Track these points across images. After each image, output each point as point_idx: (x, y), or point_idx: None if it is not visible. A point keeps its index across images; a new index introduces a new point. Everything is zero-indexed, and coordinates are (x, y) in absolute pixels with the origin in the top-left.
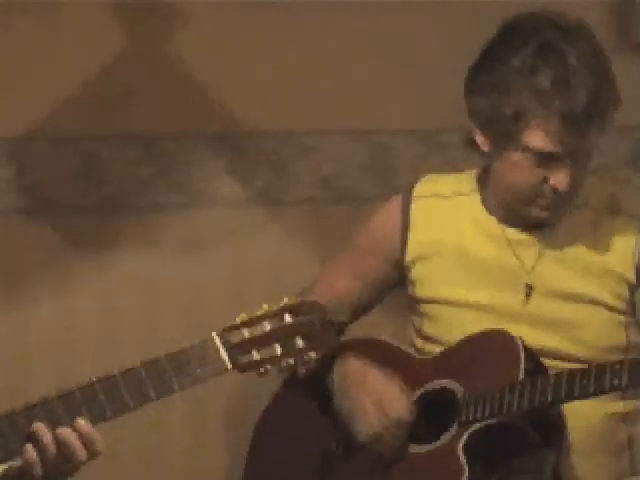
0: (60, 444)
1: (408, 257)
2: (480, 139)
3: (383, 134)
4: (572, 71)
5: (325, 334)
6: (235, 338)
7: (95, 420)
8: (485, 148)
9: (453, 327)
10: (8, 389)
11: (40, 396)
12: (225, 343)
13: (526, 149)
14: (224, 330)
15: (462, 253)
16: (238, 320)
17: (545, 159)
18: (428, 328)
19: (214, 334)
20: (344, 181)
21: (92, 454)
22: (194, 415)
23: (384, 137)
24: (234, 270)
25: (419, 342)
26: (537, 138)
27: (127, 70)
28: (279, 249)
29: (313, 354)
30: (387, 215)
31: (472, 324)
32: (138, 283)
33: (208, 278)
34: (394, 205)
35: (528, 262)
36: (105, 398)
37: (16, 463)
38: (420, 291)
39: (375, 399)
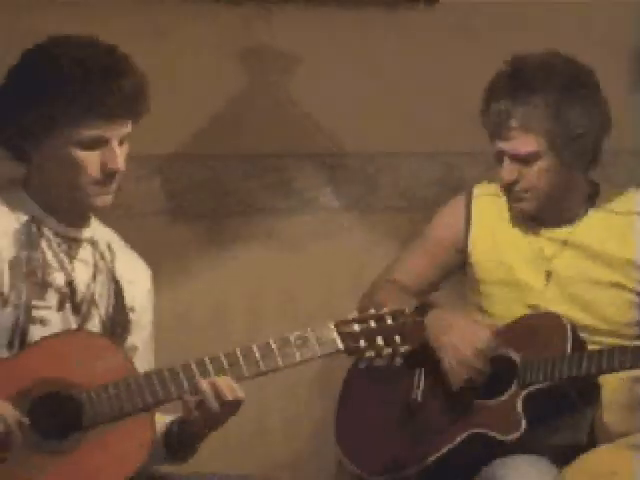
0: (213, 391)
1: (470, 244)
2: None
3: (451, 155)
4: None
5: (415, 333)
6: (347, 329)
7: (236, 378)
8: None
9: (497, 302)
10: (175, 348)
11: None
12: (339, 331)
13: None
14: (339, 321)
15: (503, 246)
16: (350, 317)
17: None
18: (486, 304)
19: (331, 323)
20: (419, 193)
21: (226, 405)
22: (294, 376)
23: (452, 158)
24: (328, 264)
25: (479, 317)
26: None
27: (247, 101)
28: (365, 248)
29: (405, 347)
30: (454, 210)
31: (511, 301)
32: (251, 275)
33: (308, 270)
34: (459, 202)
35: (549, 252)
36: (244, 362)
37: (175, 417)
38: (477, 274)
39: (463, 333)
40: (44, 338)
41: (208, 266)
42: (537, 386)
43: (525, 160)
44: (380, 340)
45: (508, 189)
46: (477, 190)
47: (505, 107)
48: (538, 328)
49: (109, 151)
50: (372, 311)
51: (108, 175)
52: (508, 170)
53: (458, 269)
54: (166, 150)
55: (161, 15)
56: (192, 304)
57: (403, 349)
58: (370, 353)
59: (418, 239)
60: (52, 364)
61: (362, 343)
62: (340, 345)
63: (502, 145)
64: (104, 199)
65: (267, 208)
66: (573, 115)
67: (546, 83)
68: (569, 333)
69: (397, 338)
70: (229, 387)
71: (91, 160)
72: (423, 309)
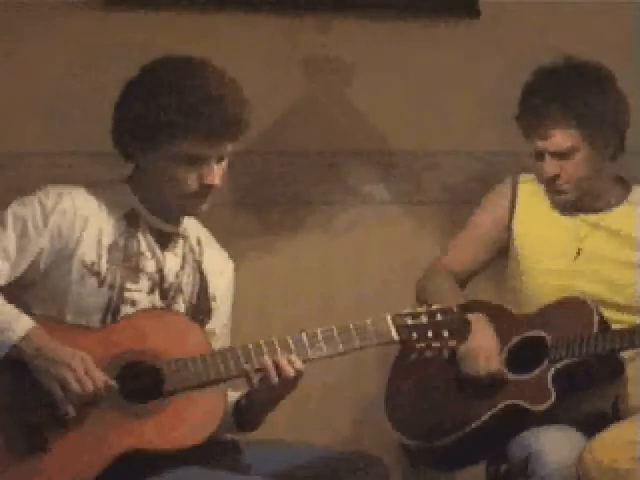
0: (274, 367)
1: (514, 224)
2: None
3: (489, 154)
4: None
5: (462, 330)
6: (402, 322)
7: (301, 357)
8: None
9: (534, 278)
10: (247, 327)
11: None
12: (394, 323)
13: None
14: (395, 315)
15: (543, 235)
16: (405, 311)
17: None
18: (522, 286)
19: (388, 315)
20: (460, 188)
21: (286, 381)
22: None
23: (489, 156)
24: (379, 250)
25: (510, 297)
26: None
27: (308, 104)
28: (412, 237)
29: (453, 342)
30: (500, 193)
31: (546, 275)
32: (313, 258)
33: (360, 257)
34: (505, 186)
35: (582, 233)
36: (309, 345)
37: (243, 392)
38: (518, 259)
39: (483, 350)
40: (134, 313)
41: (273, 253)
42: (565, 362)
43: (564, 154)
44: (430, 334)
45: (550, 183)
46: (522, 177)
47: (541, 107)
48: (567, 311)
49: (208, 168)
50: (424, 307)
51: (204, 189)
52: (551, 165)
53: (502, 251)
54: (237, 147)
55: (236, 27)
56: (262, 286)
57: (450, 343)
58: (420, 345)
59: (467, 228)
60: (140, 336)
61: (414, 336)
62: (395, 336)
63: (542, 144)
64: (198, 208)
65: (324, 201)
66: (602, 108)
67: (577, 82)
68: (595, 315)
69: (445, 333)
70: (290, 363)
71: (190, 175)
72: (466, 308)
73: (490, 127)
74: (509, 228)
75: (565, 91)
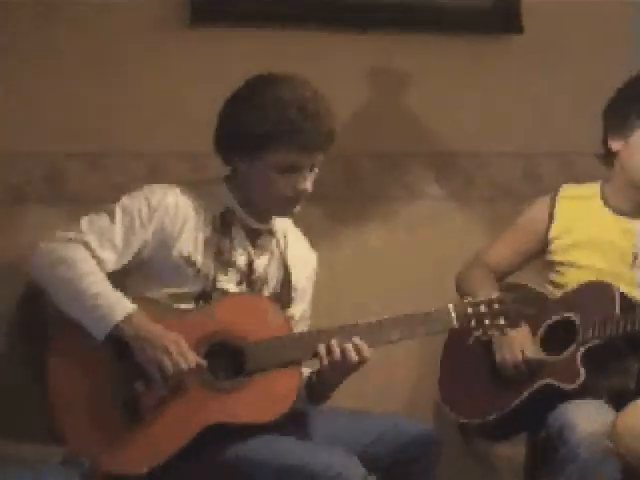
0: (341, 352)
1: (551, 234)
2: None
3: (533, 156)
4: None
5: (517, 318)
6: (462, 311)
7: (369, 344)
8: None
9: (574, 281)
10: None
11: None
12: (455, 311)
13: None
14: (456, 304)
15: (589, 235)
16: (465, 301)
17: None
18: (559, 280)
19: (450, 305)
20: (507, 186)
21: (352, 364)
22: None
23: (533, 158)
24: (435, 244)
25: (551, 289)
26: None
27: (376, 111)
28: (463, 230)
29: (508, 328)
30: (540, 207)
31: (594, 277)
32: (376, 249)
33: (417, 247)
34: (545, 201)
35: (633, 240)
36: (377, 331)
37: (314, 369)
38: (556, 257)
39: (517, 340)
40: (223, 298)
41: (341, 244)
42: (593, 343)
43: None
44: (487, 322)
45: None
46: (562, 192)
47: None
48: (593, 294)
49: (301, 176)
50: (484, 297)
51: (298, 194)
52: None
53: (538, 255)
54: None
55: (314, 43)
56: (332, 274)
57: (505, 331)
58: (478, 332)
59: (508, 229)
60: (226, 319)
61: (473, 323)
62: (455, 324)
63: None
64: (291, 211)
65: (386, 197)
66: None
67: None
68: (617, 297)
69: (501, 321)
70: (356, 349)
71: (285, 181)
72: (507, 287)
73: (535, 131)
74: (544, 241)
75: None
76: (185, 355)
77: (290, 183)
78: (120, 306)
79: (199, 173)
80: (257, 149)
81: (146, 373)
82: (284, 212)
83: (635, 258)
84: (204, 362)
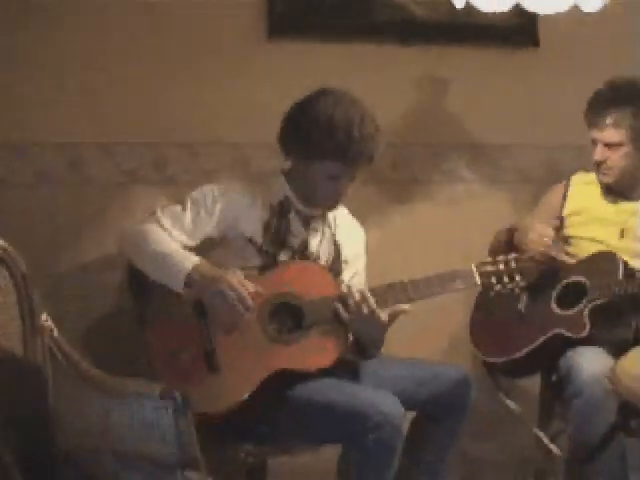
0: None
1: (564, 213)
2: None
3: (554, 148)
4: None
5: (531, 274)
6: (483, 269)
7: (407, 300)
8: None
9: (582, 250)
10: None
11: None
12: (478, 270)
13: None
14: (479, 263)
15: (592, 214)
16: (486, 260)
17: None
18: (572, 250)
19: (473, 265)
20: (530, 173)
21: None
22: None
23: (555, 149)
24: (468, 219)
25: (567, 259)
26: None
27: (420, 111)
28: (493, 209)
29: (523, 283)
30: (556, 192)
31: (592, 249)
32: (420, 226)
33: (454, 222)
34: (561, 186)
35: (622, 218)
36: (412, 289)
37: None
38: (569, 232)
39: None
40: (282, 264)
41: (391, 221)
42: (599, 301)
43: (612, 147)
44: (506, 278)
45: (598, 166)
46: (574, 178)
47: (603, 110)
48: (601, 262)
49: (342, 184)
50: (501, 257)
51: (336, 197)
52: (600, 153)
53: (557, 231)
54: None
55: (384, 55)
56: (382, 249)
57: (522, 284)
58: (498, 287)
59: (535, 209)
60: (286, 282)
61: (493, 280)
62: (478, 281)
63: (597, 135)
64: (331, 208)
65: (428, 180)
66: None
67: (630, 96)
68: (620, 262)
69: (518, 277)
70: (364, 303)
71: (329, 186)
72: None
73: (555, 126)
74: (560, 217)
75: (624, 101)
76: (244, 284)
77: (333, 188)
78: (188, 260)
79: (277, 160)
80: (310, 157)
81: (222, 328)
82: (326, 208)
83: (622, 235)
84: (261, 290)
